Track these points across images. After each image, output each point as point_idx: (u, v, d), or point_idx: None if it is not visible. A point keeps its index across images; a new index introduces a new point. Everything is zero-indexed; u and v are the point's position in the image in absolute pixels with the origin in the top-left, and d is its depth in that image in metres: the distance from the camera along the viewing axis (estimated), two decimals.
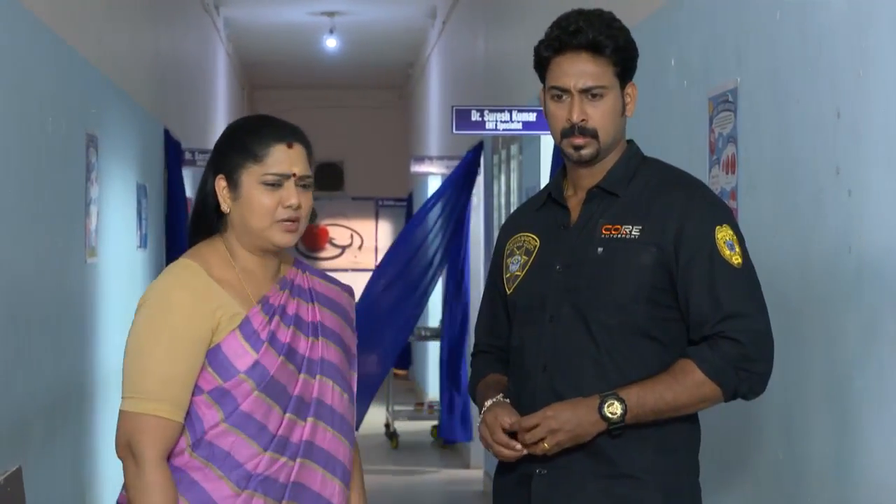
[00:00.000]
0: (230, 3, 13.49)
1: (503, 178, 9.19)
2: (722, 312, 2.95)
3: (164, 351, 2.78)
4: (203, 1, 12.35)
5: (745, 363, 2.94)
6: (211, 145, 3.52)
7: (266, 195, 2.84)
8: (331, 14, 13.58)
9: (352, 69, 17.29)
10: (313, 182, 2.90)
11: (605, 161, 3.10)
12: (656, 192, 3.06)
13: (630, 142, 3.17)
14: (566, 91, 3.05)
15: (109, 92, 7.24)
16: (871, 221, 3.14)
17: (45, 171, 5.59)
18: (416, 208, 15.81)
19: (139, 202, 8.27)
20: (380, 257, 19.61)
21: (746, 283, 2.99)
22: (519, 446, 2.99)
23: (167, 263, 3.71)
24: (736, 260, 2.99)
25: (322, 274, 3.05)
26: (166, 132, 9.50)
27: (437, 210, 10.06)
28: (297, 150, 2.87)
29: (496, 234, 5.90)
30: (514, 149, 8.73)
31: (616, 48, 3.04)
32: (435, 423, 12.60)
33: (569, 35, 3.04)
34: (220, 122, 14.06)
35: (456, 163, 11.02)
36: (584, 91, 3.04)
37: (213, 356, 2.81)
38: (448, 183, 10.23)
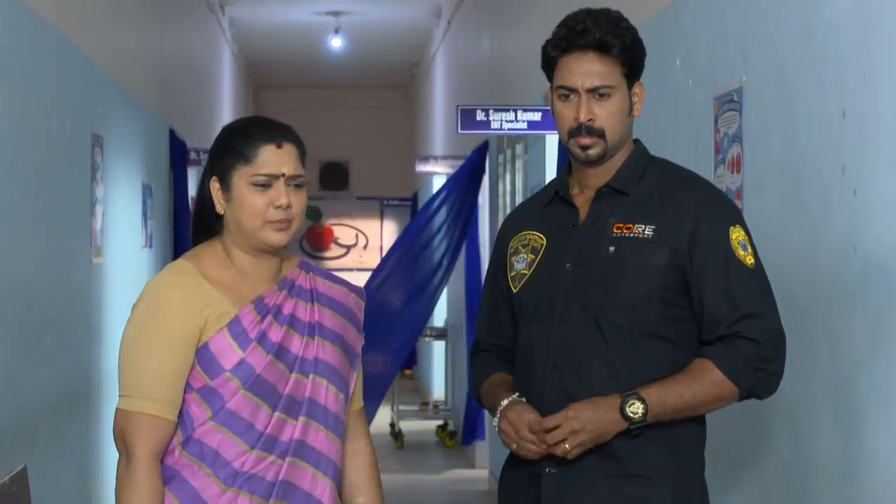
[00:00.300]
0: (235, 3, 13.50)
1: (508, 177, 9.19)
2: (739, 312, 2.96)
3: (154, 350, 2.82)
4: (208, 1, 12.36)
5: (762, 363, 2.95)
6: None
7: (256, 196, 2.85)
8: (336, 14, 13.59)
9: (357, 69, 17.29)
10: (306, 180, 2.90)
11: (613, 160, 3.10)
12: (668, 191, 3.06)
13: (637, 141, 3.16)
14: (573, 90, 3.05)
15: (114, 92, 7.24)
16: (876, 221, 3.14)
17: (51, 171, 5.59)
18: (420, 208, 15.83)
19: (144, 202, 8.28)
20: None
21: (760, 284, 3.01)
22: (543, 445, 2.98)
23: None
24: (749, 260, 3.00)
25: (329, 275, 3.05)
26: (171, 132, 9.51)
27: (443, 212, 10.07)
28: (287, 150, 2.87)
29: None
30: (518, 148, 8.73)
31: (623, 48, 3.03)
32: (440, 422, 12.61)
33: (576, 34, 3.04)
34: (225, 122, 14.04)
35: (461, 162, 11.02)
36: (592, 90, 3.04)
37: (202, 355, 2.83)
38: (453, 183, 10.22)
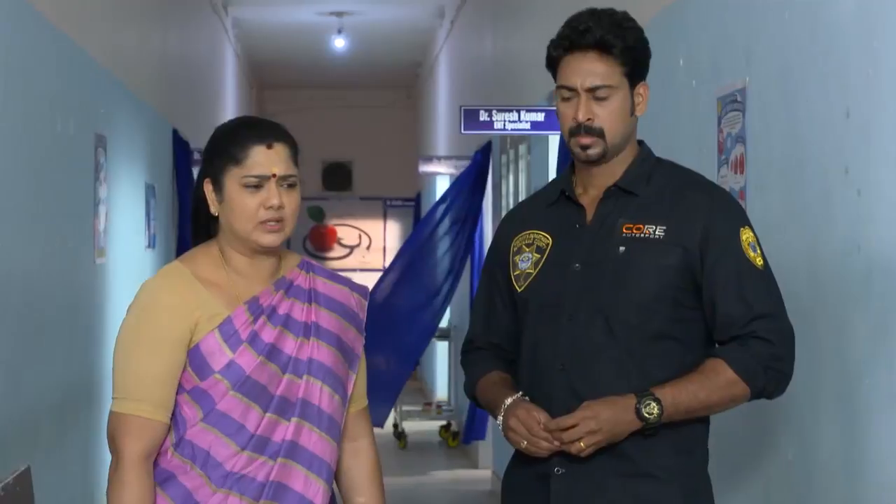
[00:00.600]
0: (239, 3, 13.50)
1: (511, 178, 9.19)
2: (752, 313, 2.96)
3: (146, 352, 2.82)
4: (211, 1, 12.36)
5: (774, 363, 2.97)
6: None
7: (247, 197, 2.84)
8: (339, 14, 13.59)
9: (360, 69, 17.29)
10: (299, 180, 2.89)
11: (619, 160, 3.10)
12: (677, 193, 3.06)
13: (641, 142, 3.16)
14: (574, 90, 3.06)
15: (118, 92, 7.24)
16: (880, 221, 3.13)
17: (54, 171, 5.59)
18: (424, 208, 15.83)
19: (148, 202, 8.28)
20: (388, 257, 19.69)
21: (770, 284, 3.02)
22: (556, 443, 2.98)
23: None
24: (759, 261, 3.02)
25: (332, 274, 3.04)
26: (175, 132, 9.51)
27: (451, 215, 10.11)
28: (278, 150, 2.86)
29: None
30: (522, 149, 8.72)
31: (625, 48, 3.03)
32: (443, 422, 12.60)
33: (578, 34, 3.04)
34: None
35: (464, 162, 11.02)
36: (591, 90, 3.04)
37: (193, 356, 2.83)
38: (459, 186, 10.24)
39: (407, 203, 18.79)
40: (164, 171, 9.14)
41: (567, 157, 3.19)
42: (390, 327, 9.74)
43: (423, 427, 12.97)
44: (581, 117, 3.04)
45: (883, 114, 3.12)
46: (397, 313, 9.90)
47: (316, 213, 19.46)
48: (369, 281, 9.76)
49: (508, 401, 3.05)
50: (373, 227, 19.98)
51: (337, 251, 19.87)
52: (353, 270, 18.61)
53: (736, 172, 4.04)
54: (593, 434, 2.93)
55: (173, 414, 2.83)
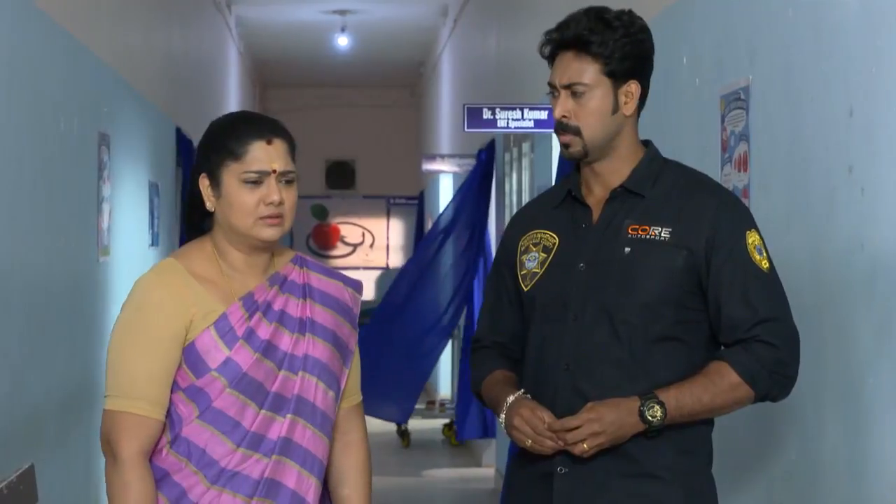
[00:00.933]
0: (242, 2, 13.51)
1: (515, 176, 9.19)
2: (757, 316, 2.96)
3: (140, 349, 2.81)
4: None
5: (779, 366, 2.97)
6: None
7: (247, 193, 2.83)
8: (342, 12, 13.59)
9: (363, 67, 17.29)
10: (296, 175, 2.88)
11: (625, 161, 3.09)
12: (684, 194, 3.05)
13: (649, 143, 3.16)
14: (555, 87, 3.07)
15: (122, 91, 7.25)
16: (884, 219, 3.13)
17: (58, 170, 5.60)
18: (427, 206, 15.84)
19: (151, 201, 8.28)
20: (391, 255, 19.72)
21: (776, 288, 3.02)
22: (560, 443, 2.98)
23: None
24: (765, 265, 3.01)
25: (325, 269, 3.02)
26: (178, 130, 9.52)
27: (462, 221, 10.20)
28: (277, 146, 2.86)
29: None
30: (525, 147, 8.72)
31: (602, 45, 3.02)
32: (447, 421, 12.60)
33: (557, 32, 3.07)
34: None
35: (468, 161, 11.03)
36: (567, 87, 3.05)
37: (188, 354, 2.82)
38: (467, 190, 10.28)
39: (410, 201, 18.79)
40: (168, 170, 9.14)
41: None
42: (407, 328, 9.85)
43: (426, 425, 12.97)
44: (556, 114, 3.07)
45: (886, 112, 3.12)
46: (413, 315, 10.02)
47: (319, 212, 19.47)
48: (372, 279, 9.80)
49: (510, 399, 3.05)
50: (376, 225, 19.99)
51: (340, 249, 19.88)
52: (357, 268, 18.62)
53: (739, 171, 4.04)
54: (596, 436, 2.93)
55: (168, 412, 2.82)
